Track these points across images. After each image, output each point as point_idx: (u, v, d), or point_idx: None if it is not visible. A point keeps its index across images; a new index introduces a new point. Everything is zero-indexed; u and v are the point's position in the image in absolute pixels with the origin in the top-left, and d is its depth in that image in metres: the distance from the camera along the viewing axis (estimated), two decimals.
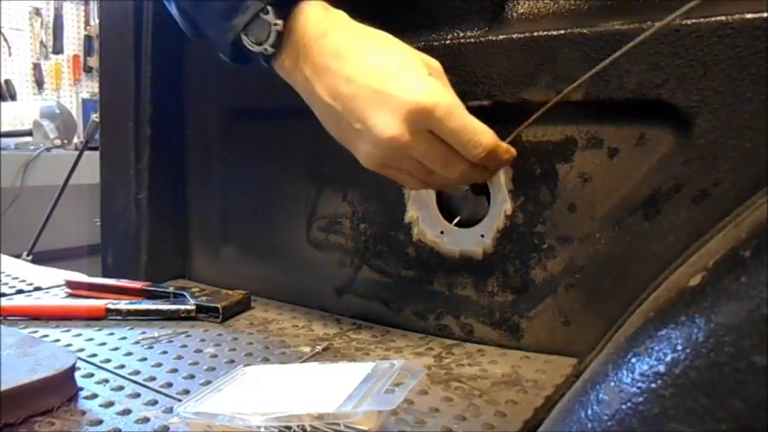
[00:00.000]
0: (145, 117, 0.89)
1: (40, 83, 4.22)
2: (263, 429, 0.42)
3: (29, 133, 2.75)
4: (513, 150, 0.57)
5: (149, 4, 0.86)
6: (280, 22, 0.55)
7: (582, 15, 0.61)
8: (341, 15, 0.57)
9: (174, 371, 0.58)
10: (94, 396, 0.51)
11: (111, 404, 0.50)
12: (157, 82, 0.88)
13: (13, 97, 3.97)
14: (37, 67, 4.21)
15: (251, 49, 0.57)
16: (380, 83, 0.52)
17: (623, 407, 0.33)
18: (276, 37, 0.56)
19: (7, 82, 3.99)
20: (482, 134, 0.53)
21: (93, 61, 4.26)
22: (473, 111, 0.65)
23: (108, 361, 0.60)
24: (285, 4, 0.55)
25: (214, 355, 0.62)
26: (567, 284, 0.61)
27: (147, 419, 0.47)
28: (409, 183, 0.59)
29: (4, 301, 0.75)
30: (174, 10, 0.63)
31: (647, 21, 0.55)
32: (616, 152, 0.58)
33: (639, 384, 0.33)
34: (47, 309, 0.74)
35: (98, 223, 0.97)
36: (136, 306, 0.74)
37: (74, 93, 4.37)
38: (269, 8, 0.55)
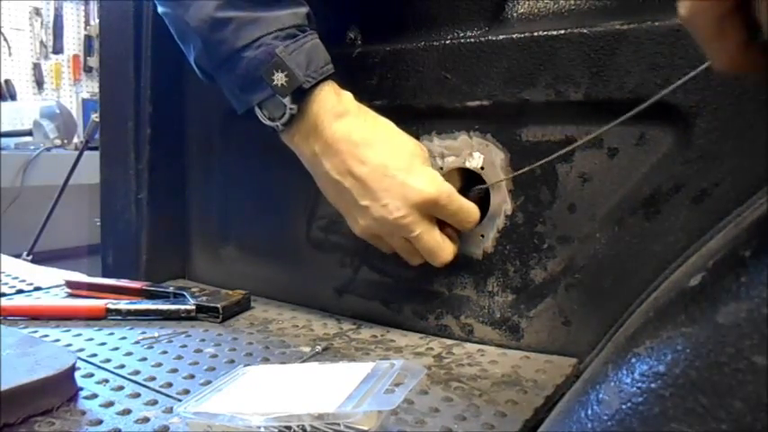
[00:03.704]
0: (145, 117, 0.89)
1: (40, 83, 4.22)
2: (263, 429, 0.42)
3: (29, 133, 2.76)
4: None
5: (149, 4, 0.86)
6: (295, 106, 0.59)
7: (582, 15, 0.61)
8: (351, 99, 0.62)
9: (174, 371, 0.58)
10: (94, 396, 0.51)
11: (111, 404, 0.50)
12: (157, 82, 0.88)
13: (13, 97, 3.96)
14: (37, 66, 4.20)
15: (263, 121, 0.60)
16: (394, 170, 0.59)
17: (623, 407, 0.33)
18: (290, 118, 0.59)
19: (7, 82, 3.99)
20: (471, 212, 0.62)
21: (93, 61, 4.25)
22: (473, 110, 0.65)
23: (108, 361, 0.60)
24: (301, 90, 0.58)
25: (214, 355, 0.62)
26: (567, 284, 0.61)
27: (147, 419, 0.47)
28: (387, 250, 0.66)
29: (4, 301, 0.75)
30: (191, 59, 0.64)
31: (647, 21, 0.55)
32: (616, 152, 0.58)
33: (639, 384, 0.33)
34: (47, 309, 0.74)
35: (98, 223, 0.97)
36: (136, 306, 0.74)
37: (74, 93, 4.37)
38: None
